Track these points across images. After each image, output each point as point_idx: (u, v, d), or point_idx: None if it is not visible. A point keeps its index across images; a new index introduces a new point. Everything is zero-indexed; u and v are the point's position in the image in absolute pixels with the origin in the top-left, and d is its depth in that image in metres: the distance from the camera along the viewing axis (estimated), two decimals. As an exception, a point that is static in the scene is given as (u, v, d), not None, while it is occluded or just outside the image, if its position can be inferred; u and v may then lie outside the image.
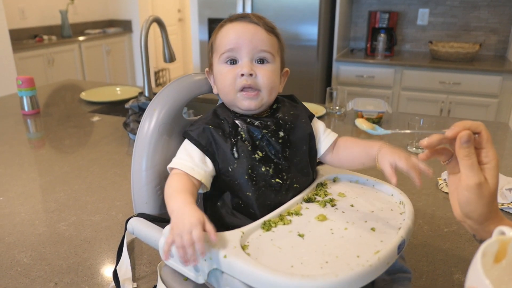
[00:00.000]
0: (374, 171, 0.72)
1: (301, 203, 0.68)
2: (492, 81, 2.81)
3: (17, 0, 3.99)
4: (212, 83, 0.76)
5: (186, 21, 6.49)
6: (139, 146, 0.69)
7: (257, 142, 0.69)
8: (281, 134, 0.70)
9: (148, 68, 1.51)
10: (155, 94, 1.56)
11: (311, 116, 0.78)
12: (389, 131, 0.64)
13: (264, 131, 0.69)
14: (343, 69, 3.16)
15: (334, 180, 0.77)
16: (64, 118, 1.71)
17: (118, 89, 2.10)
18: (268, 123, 0.70)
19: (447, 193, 1.07)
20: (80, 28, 4.64)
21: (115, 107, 1.90)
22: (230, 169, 0.67)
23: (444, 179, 1.11)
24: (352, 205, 0.68)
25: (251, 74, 0.68)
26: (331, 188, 0.73)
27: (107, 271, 0.79)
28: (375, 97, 2.79)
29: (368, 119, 1.61)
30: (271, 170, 0.68)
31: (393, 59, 3.14)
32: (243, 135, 0.68)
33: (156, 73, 5.77)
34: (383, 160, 0.65)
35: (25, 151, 1.39)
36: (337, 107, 1.75)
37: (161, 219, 0.68)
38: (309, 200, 0.69)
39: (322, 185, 0.74)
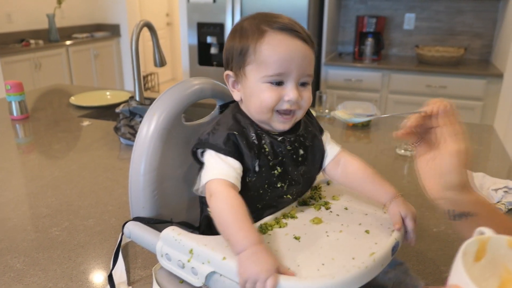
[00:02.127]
0: (366, 174, 0.73)
1: (296, 206, 0.70)
2: (477, 84, 2.86)
3: (3, 4, 3.95)
4: (233, 88, 0.70)
5: (174, 25, 6.49)
6: (138, 150, 0.69)
7: (280, 158, 0.66)
8: (301, 152, 0.68)
9: (139, 73, 1.51)
10: (146, 98, 1.56)
11: (321, 129, 0.76)
12: (367, 118, 0.66)
13: (288, 147, 0.67)
14: (331, 73, 3.19)
15: (328, 183, 0.78)
16: (54, 123, 1.70)
17: (108, 93, 2.10)
18: (292, 139, 0.68)
19: (436, 195, 1.09)
20: (67, 32, 4.61)
21: (105, 112, 1.89)
22: (247, 180, 0.64)
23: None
24: (346, 208, 0.69)
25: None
26: (325, 191, 0.75)
27: (101, 275, 0.79)
28: (364, 101, 2.82)
29: (357, 123, 1.63)
30: (285, 187, 0.67)
31: (380, 63, 3.18)
32: (267, 149, 0.65)
33: (145, 77, 5.75)
34: (395, 208, 0.64)
35: (15, 157, 1.38)
36: (326, 111, 1.77)
37: (156, 221, 0.69)
38: (304, 203, 0.70)
39: (317, 188, 0.75)
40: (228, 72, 0.69)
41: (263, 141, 0.65)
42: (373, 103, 2.85)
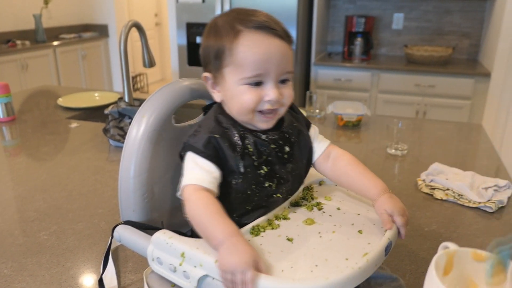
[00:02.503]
0: (358, 174, 0.73)
1: (288, 207, 0.69)
2: (465, 83, 2.89)
3: (-12, 4, 3.89)
4: (213, 90, 0.69)
5: (163, 26, 6.45)
6: (127, 153, 0.68)
7: (264, 157, 0.65)
8: (287, 149, 0.67)
9: (128, 73, 1.50)
10: (135, 99, 1.55)
11: (308, 124, 0.75)
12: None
13: (272, 146, 0.66)
14: (321, 73, 3.19)
15: (320, 184, 0.78)
16: (41, 125, 1.67)
17: (96, 94, 2.07)
18: (276, 137, 0.67)
19: (427, 193, 1.10)
20: (54, 33, 4.55)
21: (93, 113, 1.87)
22: (234, 182, 0.64)
23: (423, 180, 1.14)
24: (338, 208, 0.69)
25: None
26: (318, 192, 0.74)
27: (91, 280, 0.78)
28: (353, 100, 2.83)
29: (347, 122, 1.64)
30: (274, 186, 0.66)
31: (370, 62, 3.20)
32: (250, 149, 0.64)
33: (134, 78, 5.71)
34: (381, 206, 0.64)
35: (1, 160, 1.35)
36: (317, 111, 1.77)
37: (148, 226, 0.68)
38: (296, 204, 0.70)
39: (309, 188, 0.75)
40: (206, 74, 0.68)
41: (247, 141, 0.64)
42: (363, 103, 2.87)
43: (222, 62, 0.64)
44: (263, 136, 0.66)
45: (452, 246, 0.46)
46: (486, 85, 2.85)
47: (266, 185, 0.65)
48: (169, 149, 0.72)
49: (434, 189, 1.10)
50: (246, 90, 0.63)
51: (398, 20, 3.43)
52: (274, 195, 0.67)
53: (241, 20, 0.63)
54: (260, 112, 0.65)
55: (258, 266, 0.52)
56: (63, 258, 0.84)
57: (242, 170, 0.63)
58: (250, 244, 0.54)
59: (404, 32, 3.46)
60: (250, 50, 0.61)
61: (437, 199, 1.07)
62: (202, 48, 0.68)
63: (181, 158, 0.67)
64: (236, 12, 0.65)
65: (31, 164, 1.31)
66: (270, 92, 0.63)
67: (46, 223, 0.97)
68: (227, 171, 0.64)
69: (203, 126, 0.66)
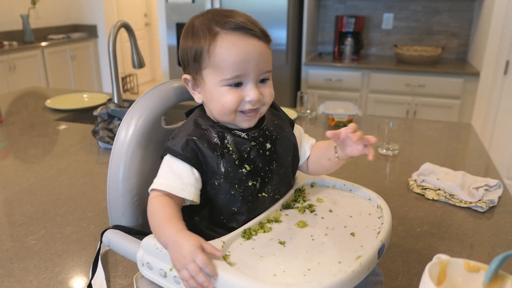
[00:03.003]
0: (350, 176, 0.72)
1: (280, 209, 0.68)
2: (454, 83, 2.91)
3: (-26, 4, 3.83)
4: (193, 91, 0.69)
5: (153, 26, 6.41)
6: (116, 156, 0.66)
7: (245, 155, 0.65)
8: (268, 146, 0.67)
9: (117, 74, 1.48)
10: (124, 100, 1.53)
11: (291, 123, 0.76)
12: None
13: (252, 143, 0.66)
14: (312, 73, 3.20)
15: (312, 186, 0.77)
16: (28, 127, 1.65)
17: (85, 96, 2.05)
18: (256, 134, 0.67)
19: (418, 193, 1.10)
20: (42, 33, 4.50)
21: (82, 115, 1.85)
22: (216, 183, 0.63)
23: (415, 180, 1.14)
24: (330, 211, 0.68)
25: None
26: (309, 194, 0.74)
27: (80, 285, 0.77)
28: (344, 100, 2.84)
29: (339, 122, 1.64)
30: (258, 184, 0.66)
31: (360, 62, 3.20)
32: (230, 148, 0.64)
33: (123, 78, 5.66)
34: (345, 144, 0.67)
35: (-12, 163, 1.33)
36: (308, 111, 1.77)
37: (137, 231, 0.66)
38: (288, 206, 0.69)
39: (300, 191, 0.74)
40: (186, 76, 0.68)
41: (226, 140, 0.65)
42: (354, 103, 2.87)
43: (201, 64, 0.64)
44: (243, 135, 0.66)
45: (444, 257, 0.46)
46: (475, 85, 2.88)
47: (250, 184, 0.65)
48: (159, 151, 0.70)
49: (425, 189, 1.10)
50: (226, 91, 0.63)
51: (388, 20, 3.45)
52: (260, 195, 0.66)
53: (218, 21, 0.63)
54: (242, 112, 0.65)
55: (204, 249, 0.53)
56: (51, 263, 0.83)
57: (222, 169, 0.63)
58: (191, 234, 0.55)
59: (394, 32, 3.47)
60: (228, 51, 0.61)
61: (428, 199, 1.07)
62: (180, 50, 0.68)
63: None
64: (212, 13, 0.65)
65: (18, 167, 1.29)
66: (250, 93, 0.63)
67: (33, 227, 0.95)
68: (209, 173, 0.63)
69: (182, 130, 0.66)
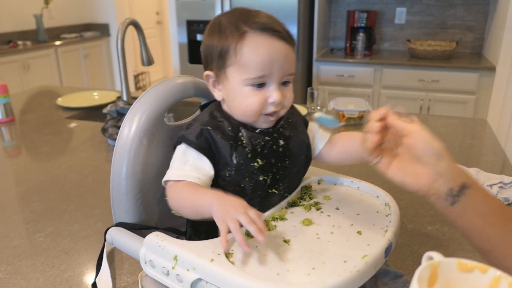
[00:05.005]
0: (358, 172, 0.71)
1: (285, 207, 0.67)
2: (470, 78, 2.85)
3: (-11, 5, 3.88)
4: (213, 88, 0.68)
5: (164, 24, 6.43)
6: (119, 153, 0.66)
7: (259, 149, 0.64)
8: (281, 142, 0.67)
9: (126, 72, 1.48)
10: (133, 98, 1.53)
11: (305, 122, 0.75)
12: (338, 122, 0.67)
13: (266, 138, 0.65)
14: (323, 69, 3.17)
15: (319, 183, 0.76)
16: (41, 125, 1.66)
17: (95, 94, 2.06)
18: (270, 130, 0.67)
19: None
20: (56, 33, 4.55)
21: (93, 113, 1.86)
22: (227, 175, 0.64)
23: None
24: (337, 208, 0.67)
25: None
26: (316, 191, 0.72)
27: (86, 283, 0.77)
28: (356, 96, 2.81)
29: (349, 119, 1.61)
30: (268, 180, 0.65)
31: (372, 58, 3.16)
32: (244, 141, 0.64)
33: (136, 76, 5.69)
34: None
35: (0, 161, 1.34)
36: (318, 107, 1.74)
37: (141, 226, 0.66)
38: (293, 204, 0.68)
39: (307, 188, 0.73)
40: (208, 72, 0.67)
41: (240, 134, 0.65)
42: (366, 99, 2.84)
43: (226, 61, 0.64)
44: (257, 130, 0.66)
45: (436, 256, 0.44)
46: (491, 79, 2.82)
47: (261, 178, 0.64)
48: (163, 149, 0.70)
49: (437, 186, 1.07)
50: (250, 92, 0.63)
51: (400, 14, 3.39)
52: (270, 191, 0.66)
53: (245, 21, 0.63)
54: (264, 114, 0.65)
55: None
56: (58, 260, 0.83)
57: (234, 161, 0.63)
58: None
59: (407, 26, 3.42)
60: (255, 51, 0.62)
61: (440, 196, 1.05)
62: (204, 46, 0.67)
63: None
64: (241, 12, 0.65)
65: (29, 164, 1.30)
66: (273, 94, 0.63)
67: (42, 224, 0.95)
68: (221, 164, 0.64)
69: (198, 120, 0.67)
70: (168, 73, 6.68)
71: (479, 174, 1.10)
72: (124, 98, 1.49)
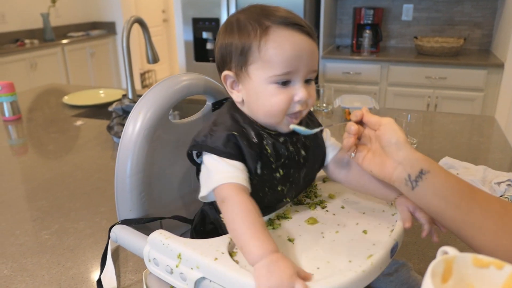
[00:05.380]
0: (363, 170, 0.69)
1: (290, 205, 0.67)
2: (477, 75, 2.82)
3: (-4, 4, 3.91)
4: (231, 90, 0.64)
5: (171, 22, 6.44)
6: (123, 151, 0.65)
7: (282, 160, 0.61)
8: (303, 153, 0.64)
9: (131, 70, 1.48)
10: (139, 96, 1.53)
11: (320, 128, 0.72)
12: (313, 131, 0.62)
13: (291, 148, 0.63)
14: (329, 66, 3.15)
15: (324, 181, 0.75)
16: (47, 123, 1.67)
17: (101, 92, 2.07)
18: (294, 139, 0.64)
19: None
20: (62, 31, 4.57)
21: (99, 111, 1.86)
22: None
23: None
24: (343, 207, 0.66)
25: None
26: (321, 190, 0.72)
27: (90, 280, 0.77)
28: (362, 94, 2.79)
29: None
30: (285, 190, 0.63)
31: (379, 55, 3.14)
32: (268, 150, 0.60)
33: (142, 74, 5.71)
34: (403, 203, 0.61)
35: (6, 159, 1.35)
36: (324, 105, 1.74)
37: (148, 220, 0.65)
38: (298, 202, 0.67)
39: (312, 186, 0.72)
40: (227, 72, 0.63)
41: (265, 142, 0.61)
42: (372, 96, 2.82)
43: (248, 59, 0.60)
44: (281, 139, 0.62)
45: (451, 251, 0.43)
46: (499, 76, 2.78)
47: (279, 188, 0.62)
48: (167, 146, 0.69)
49: (444, 184, 1.06)
50: (274, 90, 0.59)
51: (407, 11, 3.36)
52: (284, 200, 0.65)
53: (267, 15, 0.60)
54: (289, 114, 0.61)
55: (300, 275, 0.49)
56: (63, 258, 0.83)
57: (259, 171, 0.59)
58: (289, 258, 0.50)
59: (413, 23, 3.39)
60: (281, 47, 0.58)
61: (447, 194, 1.04)
62: (221, 46, 0.63)
63: (189, 155, 0.64)
64: (260, 8, 0.62)
65: (35, 162, 1.31)
66: (299, 92, 0.60)
67: (48, 222, 0.96)
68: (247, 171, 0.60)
69: (219, 124, 0.61)
70: (174, 71, 6.69)
71: (486, 171, 1.09)
72: (130, 96, 1.49)
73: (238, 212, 0.54)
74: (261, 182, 0.60)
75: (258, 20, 0.59)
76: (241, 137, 0.59)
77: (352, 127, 0.61)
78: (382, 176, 0.59)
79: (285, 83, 0.60)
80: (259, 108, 0.61)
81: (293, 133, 0.63)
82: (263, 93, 0.60)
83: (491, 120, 1.63)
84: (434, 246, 0.84)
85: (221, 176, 0.57)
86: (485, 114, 2.85)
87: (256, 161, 0.59)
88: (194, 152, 0.63)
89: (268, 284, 0.47)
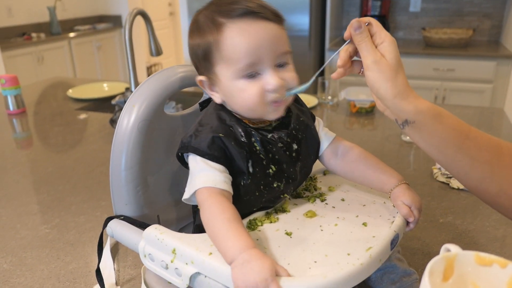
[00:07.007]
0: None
1: (289, 198, 0.65)
2: (487, 66, 2.77)
3: (3, -2, 3.92)
4: (211, 92, 0.63)
5: (177, 15, 6.41)
6: (117, 144, 0.64)
7: (271, 156, 0.60)
8: (295, 147, 0.63)
9: (134, 63, 1.47)
10: (142, 89, 1.52)
11: (313, 117, 0.70)
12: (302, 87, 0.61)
13: (280, 144, 0.61)
14: (335, 58, 3.11)
15: (325, 174, 0.74)
16: (51, 117, 1.67)
17: (105, 85, 2.06)
18: (282, 135, 0.62)
19: (443, 182, 1.05)
20: (69, 25, 4.57)
21: (102, 104, 1.86)
22: (242, 183, 0.59)
23: (439, 168, 1.08)
24: (342, 199, 0.65)
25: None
26: (321, 182, 0.70)
27: (90, 274, 0.76)
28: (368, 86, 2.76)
29: (361, 109, 1.58)
30: (282, 186, 0.61)
31: (386, 47, 3.09)
32: (257, 147, 0.59)
33: (148, 68, 5.70)
34: (398, 197, 0.60)
35: (9, 152, 1.35)
36: (329, 97, 1.71)
37: (141, 223, 0.64)
38: (297, 195, 0.66)
39: (312, 179, 0.71)
40: (200, 77, 0.63)
41: (253, 139, 0.60)
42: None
43: (212, 61, 0.59)
44: (269, 135, 0.61)
45: (454, 248, 0.42)
46: (509, 68, 2.73)
47: (275, 185, 0.61)
48: (163, 139, 0.68)
49: (450, 177, 1.04)
50: (244, 85, 0.58)
51: (415, 2, 3.31)
52: (282, 196, 0.63)
53: (222, 11, 0.57)
54: (268, 103, 0.59)
55: (278, 273, 0.48)
56: (63, 252, 0.83)
57: (251, 170, 0.58)
58: (266, 255, 0.49)
59: (422, 14, 3.34)
60: (238, 40, 0.56)
61: (453, 188, 1.02)
62: (189, 50, 0.63)
63: (179, 158, 0.62)
64: (215, 4, 0.60)
65: (38, 156, 1.31)
66: (270, 80, 0.57)
67: (48, 216, 0.95)
68: (235, 171, 0.59)
69: (205, 125, 0.60)
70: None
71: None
72: (133, 89, 1.48)
73: (212, 214, 0.53)
74: (256, 180, 0.59)
75: (212, 19, 0.58)
76: (228, 138, 0.58)
77: (343, 56, 0.64)
78: (376, 101, 0.63)
79: (252, 76, 0.58)
80: (237, 106, 0.60)
81: (282, 127, 0.63)
82: (234, 90, 0.59)
83: (500, 113, 1.60)
84: (438, 242, 0.82)
85: (200, 181, 0.56)
86: (494, 106, 2.80)
87: (247, 159, 0.58)
88: (185, 155, 0.62)
89: (240, 281, 0.47)
